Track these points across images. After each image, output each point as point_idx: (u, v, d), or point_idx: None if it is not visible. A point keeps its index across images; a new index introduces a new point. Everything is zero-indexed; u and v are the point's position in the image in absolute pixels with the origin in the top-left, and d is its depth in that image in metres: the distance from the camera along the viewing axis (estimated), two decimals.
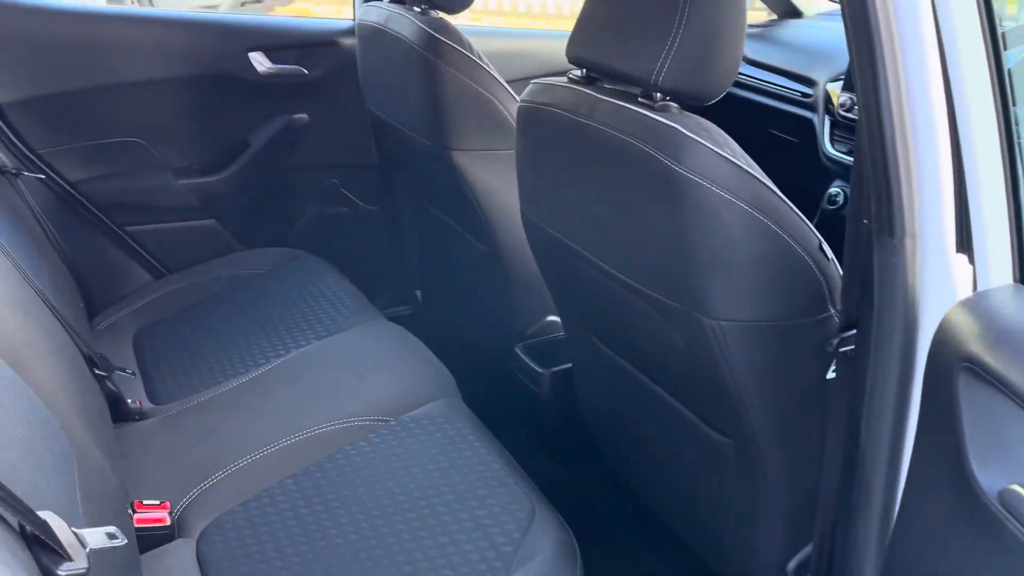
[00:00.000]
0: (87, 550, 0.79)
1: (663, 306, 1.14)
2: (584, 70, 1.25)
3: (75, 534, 0.79)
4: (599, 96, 1.17)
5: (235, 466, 1.41)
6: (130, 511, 1.25)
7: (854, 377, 1.04)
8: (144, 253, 2.08)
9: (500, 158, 1.72)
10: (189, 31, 2.01)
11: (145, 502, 1.33)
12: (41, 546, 0.76)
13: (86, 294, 1.94)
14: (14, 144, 1.87)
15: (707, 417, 1.27)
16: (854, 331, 1.04)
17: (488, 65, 1.67)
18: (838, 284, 1.09)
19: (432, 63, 1.63)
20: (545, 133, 1.27)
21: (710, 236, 1.03)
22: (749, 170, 1.04)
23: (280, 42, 2.10)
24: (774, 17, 2.68)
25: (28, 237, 1.64)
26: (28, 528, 0.75)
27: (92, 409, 1.35)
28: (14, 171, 1.80)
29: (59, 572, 0.75)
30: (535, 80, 1.32)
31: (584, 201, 1.22)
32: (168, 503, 1.34)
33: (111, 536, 0.83)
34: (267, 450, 1.43)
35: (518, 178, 1.39)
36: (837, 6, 2.60)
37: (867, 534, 1.03)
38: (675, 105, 1.10)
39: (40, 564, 0.74)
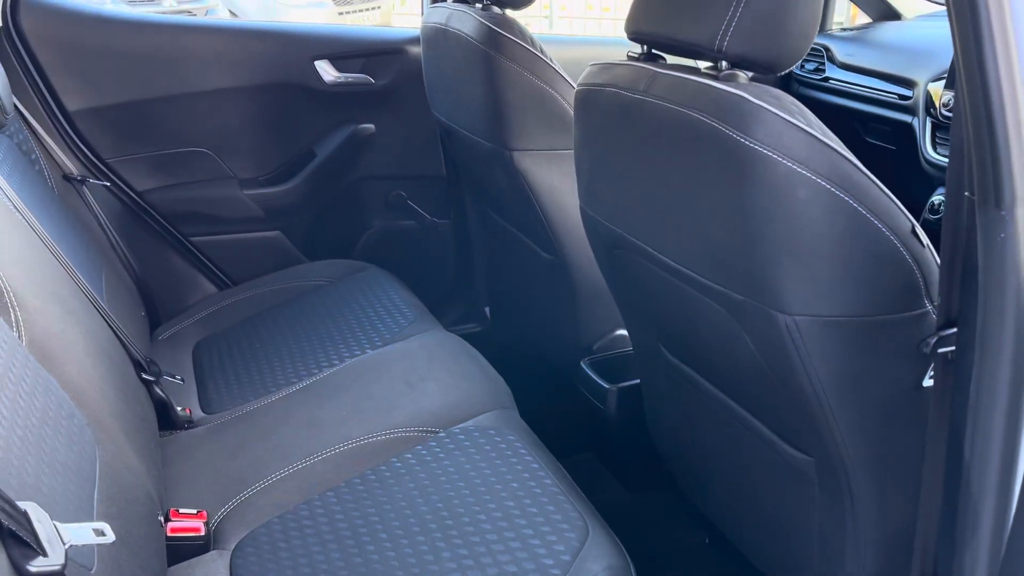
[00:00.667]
0: (66, 546, 0.72)
1: (731, 302, 1.01)
2: (644, 46, 1.14)
3: (55, 528, 0.72)
4: (659, 70, 1.07)
5: (276, 476, 1.34)
6: (161, 519, 1.19)
7: (956, 384, 0.88)
8: (209, 264, 2.07)
9: (564, 158, 1.62)
10: (255, 40, 2.01)
11: (181, 511, 1.27)
12: (15, 539, 0.69)
13: (149, 304, 1.93)
14: (82, 151, 1.89)
15: (785, 433, 1.13)
16: (955, 329, 0.89)
17: (551, 59, 1.59)
18: (935, 275, 0.94)
19: (491, 58, 1.56)
20: (601, 115, 1.16)
21: (783, 217, 0.90)
22: (827, 141, 0.91)
23: (346, 51, 2.07)
24: (869, 20, 2.52)
25: (88, 242, 1.64)
26: (4, 521, 0.68)
27: (134, 413, 1.31)
28: (80, 178, 1.81)
29: (30, 568, 0.67)
30: (593, 62, 1.22)
31: (642, 188, 1.11)
32: (205, 512, 1.27)
33: (98, 532, 0.76)
34: (310, 461, 1.35)
35: (576, 169, 1.29)
36: (939, 7, 2.44)
37: (974, 567, 0.87)
38: (743, 74, 0.98)
39: (9, 557, 0.67)
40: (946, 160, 1.91)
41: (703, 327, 1.15)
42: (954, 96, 0.83)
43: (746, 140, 0.90)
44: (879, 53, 2.25)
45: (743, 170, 0.91)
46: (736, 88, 0.94)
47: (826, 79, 2.32)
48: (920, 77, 2.04)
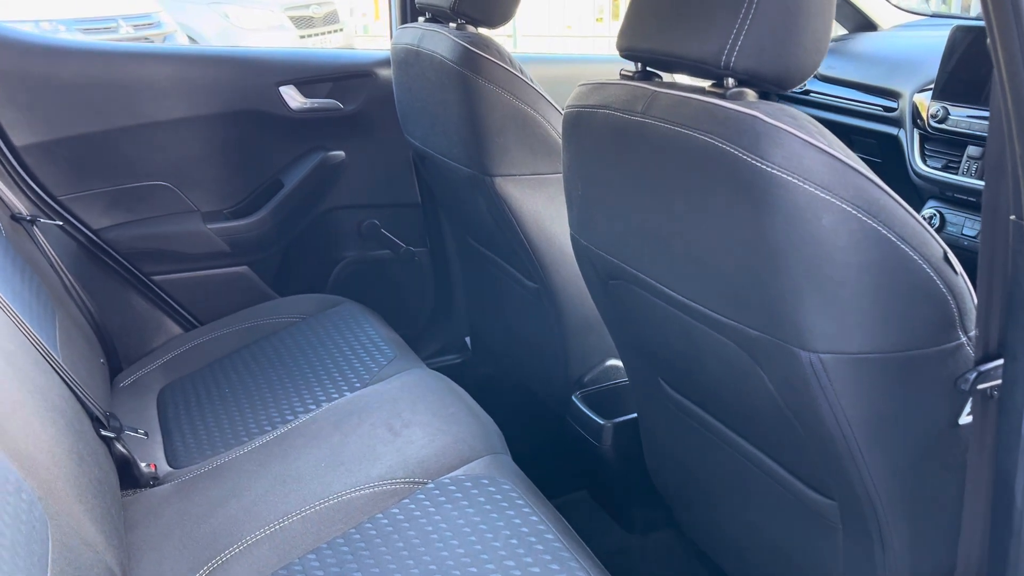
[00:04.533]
0: None
1: (746, 338, 0.93)
2: (639, 64, 1.06)
3: None
4: (658, 89, 0.98)
5: (251, 539, 1.23)
6: None
7: (1002, 423, 0.81)
8: (173, 303, 1.95)
9: (548, 184, 1.54)
10: (216, 66, 1.90)
11: None
12: None
13: (109, 350, 1.81)
14: (32, 189, 1.77)
15: (805, 475, 1.04)
16: (996, 362, 0.81)
17: (531, 80, 1.50)
18: (969, 304, 0.87)
19: (468, 79, 1.47)
20: (594, 139, 1.08)
21: (805, 246, 0.82)
22: (850, 162, 0.83)
23: (313, 75, 1.97)
24: (845, 32, 2.47)
25: (39, 287, 1.52)
26: None
27: (92, 476, 1.19)
28: (30, 218, 1.69)
29: None
30: (582, 83, 1.14)
31: (643, 216, 1.03)
32: None
33: None
34: (288, 521, 1.25)
35: (566, 196, 1.20)
36: (916, 17, 2.40)
37: None
38: (751, 92, 0.91)
39: None
40: (936, 172, 1.87)
41: (711, 363, 1.06)
42: (991, 112, 0.76)
43: (762, 164, 0.82)
44: (861, 65, 2.21)
45: (760, 196, 0.83)
46: (747, 107, 0.86)
47: (807, 92, 2.27)
48: (904, 88, 1.99)
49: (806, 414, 0.92)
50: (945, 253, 0.85)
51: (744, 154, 0.83)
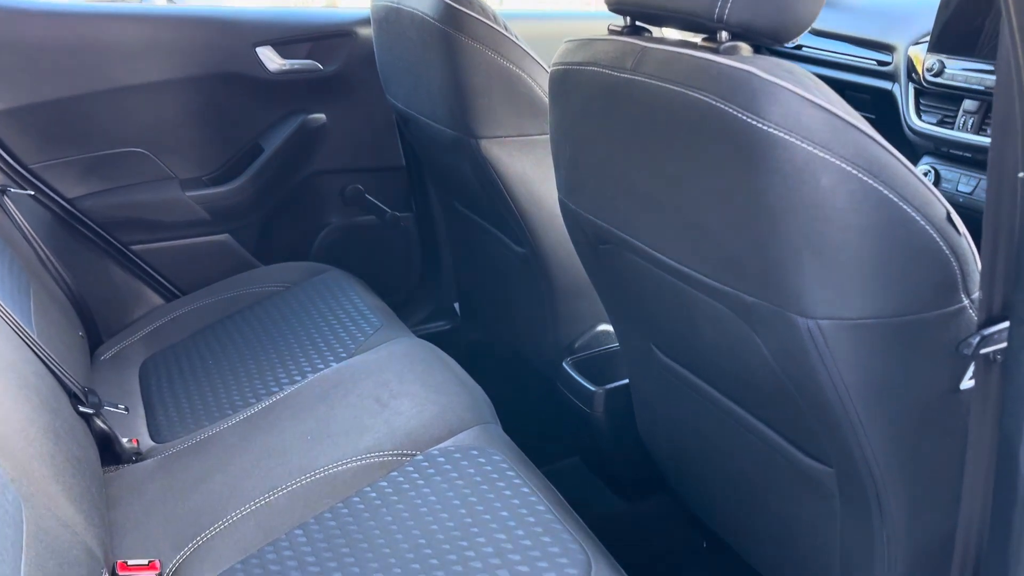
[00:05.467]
0: None
1: (741, 304, 0.90)
2: (628, 19, 1.01)
3: None
4: (648, 44, 0.94)
5: (237, 515, 1.20)
6: None
7: (1007, 388, 0.78)
8: (153, 274, 1.90)
9: (535, 145, 1.49)
10: (190, 27, 1.83)
11: (130, 563, 1.13)
12: None
13: (88, 322, 1.77)
14: (2, 158, 1.71)
15: (801, 441, 1.02)
16: (1001, 325, 0.78)
17: (517, 37, 1.45)
18: (972, 265, 0.84)
19: (451, 37, 1.41)
20: (582, 98, 1.03)
21: (802, 208, 0.79)
22: (850, 119, 0.79)
23: (291, 35, 1.91)
24: None
25: (11, 259, 1.47)
26: None
27: (69, 454, 1.16)
28: (0, 188, 1.63)
29: None
30: (569, 39, 1.09)
31: (633, 179, 0.99)
32: (157, 562, 1.14)
33: None
34: (274, 496, 1.22)
35: (553, 159, 1.16)
36: None
37: None
38: (746, 46, 0.86)
39: None
40: (931, 128, 1.83)
41: (705, 329, 1.03)
42: (998, 66, 0.72)
43: (758, 122, 0.78)
44: (853, 17, 2.15)
45: (755, 156, 0.80)
46: (742, 63, 0.82)
47: (799, 47, 2.22)
48: (899, 41, 1.94)
49: (803, 381, 0.89)
50: (948, 213, 0.82)
51: (739, 112, 0.79)
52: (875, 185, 0.78)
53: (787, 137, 0.78)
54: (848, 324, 0.82)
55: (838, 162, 0.78)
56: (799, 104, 0.78)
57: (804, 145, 0.77)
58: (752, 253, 0.84)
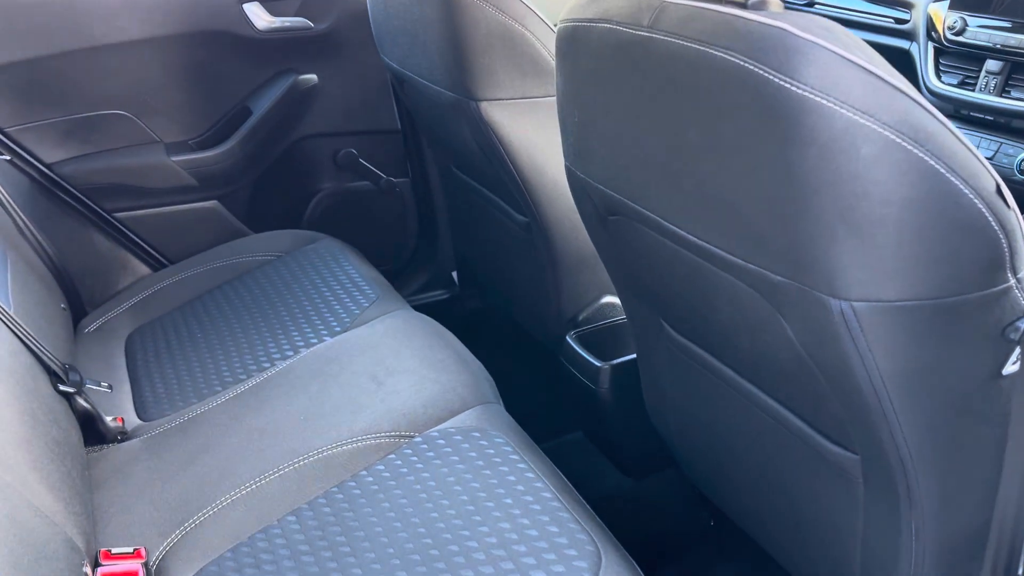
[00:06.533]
0: None
1: (767, 284, 0.83)
2: None
3: None
4: None
5: (227, 499, 1.15)
6: (88, 570, 0.99)
7: None
8: (138, 242, 1.83)
9: (539, 107, 1.41)
10: None
11: (114, 551, 1.07)
12: None
13: (71, 294, 1.70)
14: None
15: (824, 426, 0.96)
16: None
17: None
18: (1021, 242, 0.77)
19: None
20: (593, 57, 0.95)
21: (840, 180, 0.71)
22: (895, 82, 0.72)
23: None
24: None
25: None
26: None
27: (48, 438, 1.10)
28: None
29: None
30: None
31: (649, 145, 0.91)
32: (143, 550, 1.08)
33: None
34: (265, 479, 1.16)
35: (560, 123, 1.08)
36: None
37: None
38: (776, 0, 0.78)
39: None
40: (952, 89, 1.75)
41: (723, 307, 0.97)
42: None
43: (792, 85, 0.71)
44: None
45: (788, 123, 0.72)
46: (774, 19, 0.74)
47: (812, 4, 2.12)
48: None
49: (832, 366, 0.83)
50: (998, 186, 0.74)
51: (771, 74, 0.72)
52: (921, 155, 0.71)
53: (824, 102, 0.70)
54: (885, 307, 0.76)
55: (881, 129, 0.70)
56: (838, 65, 0.70)
57: (843, 111, 0.70)
58: (781, 229, 0.77)
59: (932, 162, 0.71)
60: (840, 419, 0.91)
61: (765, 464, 1.12)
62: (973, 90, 1.70)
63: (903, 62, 1.90)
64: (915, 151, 0.71)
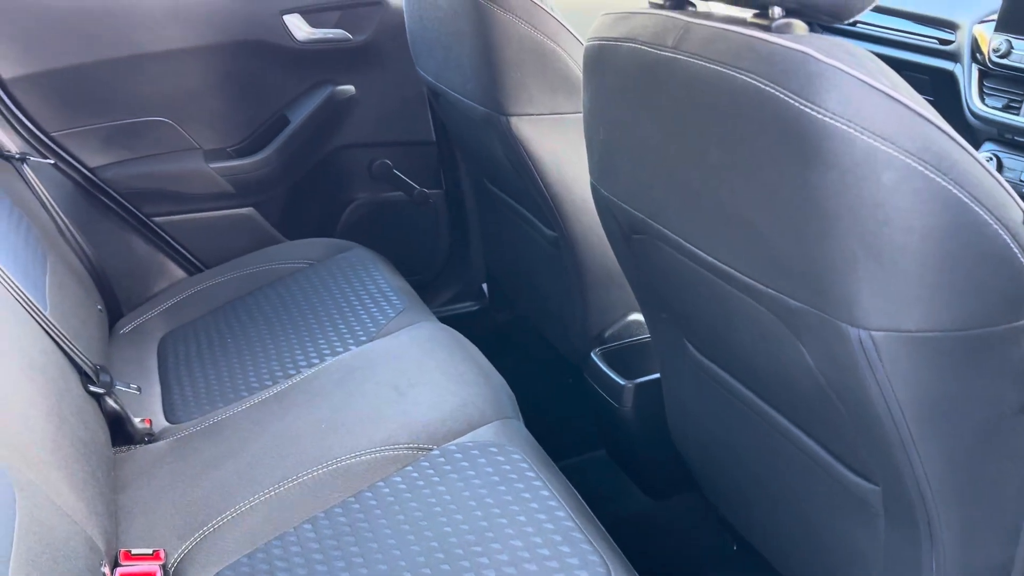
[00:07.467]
0: None
1: (785, 309, 0.82)
2: None
3: None
4: (692, 20, 0.85)
5: (246, 505, 1.16)
6: (106, 570, 1.01)
7: None
8: (175, 246, 1.86)
9: (569, 123, 1.41)
10: None
11: (134, 552, 1.09)
12: None
13: (108, 295, 1.73)
14: (23, 125, 1.67)
15: (844, 455, 0.94)
16: None
17: (552, 9, 1.37)
18: None
19: (483, 7, 1.34)
20: (619, 77, 0.95)
21: (860, 207, 0.70)
22: (919, 109, 0.70)
23: (320, 3, 1.84)
24: None
25: (27, 231, 1.43)
26: None
27: (75, 437, 1.12)
28: (20, 156, 1.59)
29: None
30: (606, 12, 1.01)
31: (671, 166, 0.91)
32: (162, 552, 1.10)
33: None
34: (284, 486, 1.17)
35: (586, 141, 1.08)
36: None
37: None
38: (801, 23, 0.78)
39: None
40: (996, 112, 1.71)
41: (743, 330, 0.96)
42: None
43: (813, 110, 0.70)
44: None
45: (808, 147, 0.71)
46: (797, 42, 0.73)
47: (854, 23, 2.10)
48: (963, 19, 1.82)
49: (851, 394, 0.82)
50: None
51: (792, 98, 0.71)
52: (944, 183, 0.69)
53: (846, 128, 0.69)
54: (905, 337, 0.74)
55: (903, 156, 0.69)
56: (860, 90, 0.69)
57: (864, 137, 0.69)
58: (800, 254, 0.76)
59: (955, 191, 0.70)
60: (860, 448, 0.90)
61: (786, 490, 1.10)
62: (1018, 114, 1.66)
63: (947, 84, 1.86)
64: (938, 179, 0.69)
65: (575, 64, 1.38)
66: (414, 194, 2.02)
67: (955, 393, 0.78)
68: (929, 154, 0.70)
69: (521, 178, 1.51)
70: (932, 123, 0.70)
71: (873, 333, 0.74)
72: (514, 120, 1.40)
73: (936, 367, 0.76)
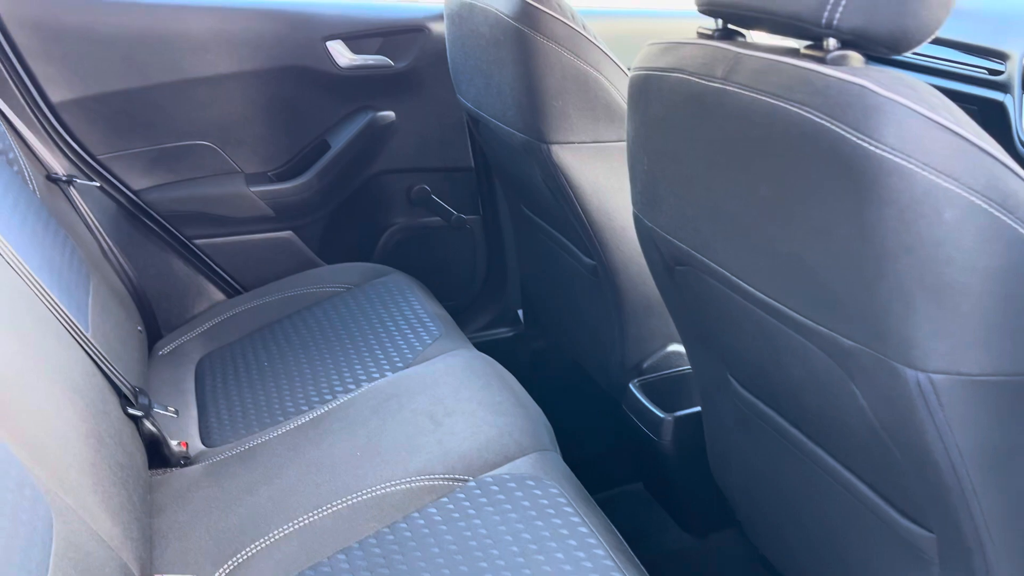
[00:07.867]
0: None
1: (839, 348, 0.79)
2: (720, 20, 0.91)
3: None
4: (742, 51, 0.84)
5: (280, 533, 1.15)
6: None
7: None
8: (215, 268, 1.87)
9: (611, 152, 1.40)
10: (260, 19, 1.79)
11: None
12: None
13: (148, 316, 1.75)
14: (71, 147, 1.69)
15: (898, 501, 0.91)
16: None
17: (595, 38, 1.36)
18: None
19: (525, 36, 1.33)
20: (664, 107, 0.94)
21: (920, 245, 0.68)
22: (982, 144, 0.68)
23: (362, 30, 1.85)
24: None
25: (72, 252, 1.45)
26: None
27: (112, 461, 1.12)
28: (66, 178, 1.62)
29: None
30: (652, 41, 1.00)
31: (719, 198, 0.89)
32: None
33: None
34: (318, 515, 1.16)
35: (629, 171, 1.07)
36: None
37: None
38: (856, 55, 0.76)
39: None
40: None
41: (793, 369, 0.93)
42: None
43: (871, 145, 0.68)
44: (962, 21, 1.98)
45: (865, 183, 0.69)
46: (853, 75, 0.71)
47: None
48: (1014, 49, 1.78)
49: (907, 439, 0.78)
50: None
51: (849, 132, 0.69)
52: (1009, 222, 0.67)
53: (905, 163, 0.67)
54: (966, 380, 0.71)
55: (965, 193, 0.67)
56: (920, 125, 0.67)
57: (925, 173, 0.67)
58: (855, 293, 0.74)
59: (1021, 230, 0.67)
60: (915, 494, 0.86)
61: (832, 533, 1.06)
62: None
63: (996, 114, 1.82)
64: (1003, 217, 0.67)
65: (618, 93, 1.36)
66: (452, 220, 2.02)
67: (1018, 439, 0.75)
68: (994, 191, 0.67)
69: (560, 206, 1.50)
70: (997, 159, 0.68)
71: (932, 376, 0.72)
72: (555, 148, 1.39)
73: (997, 412, 0.73)
